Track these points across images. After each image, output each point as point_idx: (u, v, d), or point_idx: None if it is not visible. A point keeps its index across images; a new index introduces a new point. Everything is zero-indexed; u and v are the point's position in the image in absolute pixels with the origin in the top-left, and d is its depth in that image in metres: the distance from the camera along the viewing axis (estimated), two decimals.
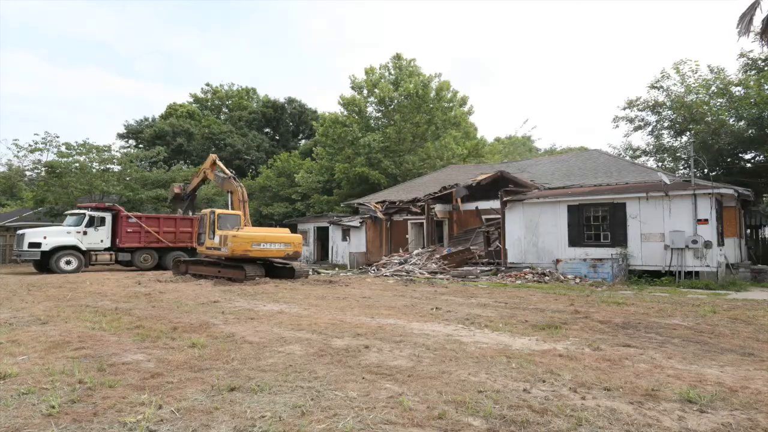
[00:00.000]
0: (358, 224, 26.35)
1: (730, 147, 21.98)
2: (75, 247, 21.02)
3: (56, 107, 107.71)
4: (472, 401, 4.14)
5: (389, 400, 4.18)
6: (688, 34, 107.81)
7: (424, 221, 23.63)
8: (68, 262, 20.73)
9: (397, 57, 38.07)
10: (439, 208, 23.72)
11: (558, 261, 17.00)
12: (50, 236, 20.76)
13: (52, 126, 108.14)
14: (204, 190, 35.68)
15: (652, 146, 26.19)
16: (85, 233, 21.40)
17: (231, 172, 20.13)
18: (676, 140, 25.59)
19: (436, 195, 23.48)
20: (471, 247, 20.70)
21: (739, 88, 22.73)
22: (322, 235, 29.81)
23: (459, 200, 23.44)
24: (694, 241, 14.82)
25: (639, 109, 26.09)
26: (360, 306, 10.28)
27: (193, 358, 5.63)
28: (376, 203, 25.92)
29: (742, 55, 24.03)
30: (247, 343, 6.51)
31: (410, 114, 34.65)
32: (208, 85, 63.96)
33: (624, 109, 26.61)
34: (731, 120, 22.22)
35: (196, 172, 23.69)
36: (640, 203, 16.04)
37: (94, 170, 30.76)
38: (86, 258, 21.34)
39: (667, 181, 16.46)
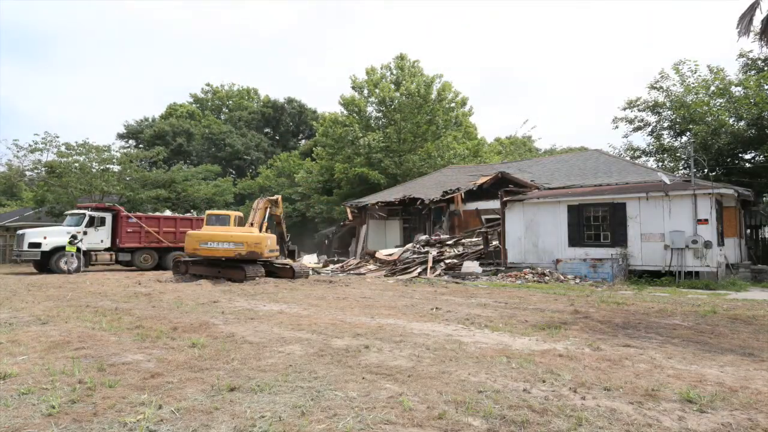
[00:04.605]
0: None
1: (729, 147, 21.99)
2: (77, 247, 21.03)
3: (56, 106, 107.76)
4: (472, 401, 4.15)
5: (389, 400, 4.18)
6: (688, 34, 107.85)
7: (426, 223, 24.14)
8: (68, 262, 20.73)
9: (401, 57, 37.96)
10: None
11: (558, 261, 17.00)
12: (50, 236, 20.75)
13: (51, 126, 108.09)
14: (204, 190, 35.71)
15: (652, 146, 26.20)
16: (85, 233, 21.40)
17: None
18: (676, 140, 25.60)
19: (438, 201, 23.85)
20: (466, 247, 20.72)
21: (738, 88, 22.74)
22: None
23: (461, 201, 23.56)
24: (694, 241, 14.82)
25: (639, 110, 26.11)
26: (360, 306, 10.28)
27: (193, 358, 5.63)
28: (373, 204, 26.13)
29: (741, 55, 24.06)
30: (247, 343, 6.51)
31: (411, 114, 34.66)
32: (208, 85, 64.07)
33: (624, 109, 26.65)
34: (731, 120, 22.22)
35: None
36: (640, 203, 16.04)
37: (93, 170, 30.76)
38: (86, 258, 21.34)
39: (667, 181, 16.45)
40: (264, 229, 18.29)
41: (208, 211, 19.03)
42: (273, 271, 17.26)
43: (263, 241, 16.15)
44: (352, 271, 20.54)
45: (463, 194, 23.57)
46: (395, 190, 29.21)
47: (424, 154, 34.83)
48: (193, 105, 60.73)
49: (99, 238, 21.90)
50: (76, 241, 20.00)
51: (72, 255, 20.07)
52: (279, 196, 20.58)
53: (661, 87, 25.19)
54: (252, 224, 17.89)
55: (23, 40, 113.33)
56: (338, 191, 35.59)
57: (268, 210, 18.68)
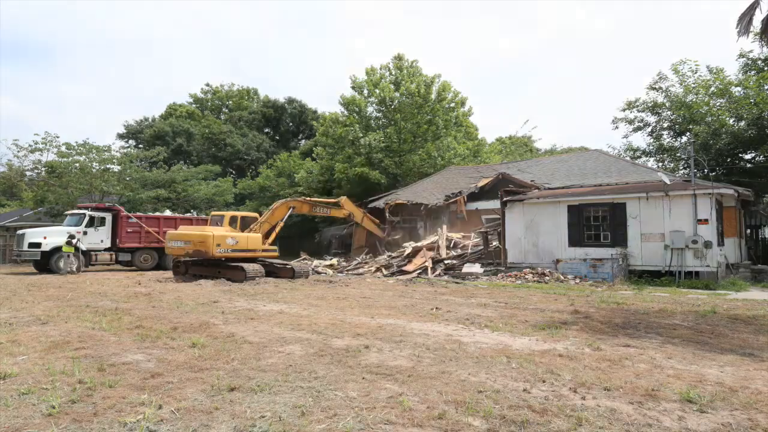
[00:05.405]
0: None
1: (730, 147, 21.96)
2: (75, 247, 21.04)
3: (55, 106, 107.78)
4: (472, 401, 4.15)
5: (389, 400, 4.18)
6: (688, 34, 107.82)
7: (427, 223, 24.50)
8: (66, 263, 20.75)
9: (399, 57, 37.91)
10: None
11: (558, 261, 16.99)
12: (50, 236, 20.75)
13: (51, 126, 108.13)
14: (204, 190, 35.70)
15: (652, 147, 26.19)
16: (85, 233, 21.40)
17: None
18: (676, 141, 25.57)
19: (440, 206, 24.07)
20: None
21: (738, 89, 22.72)
22: None
23: (463, 204, 23.65)
24: (694, 241, 14.81)
25: (639, 110, 26.08)
26: (360, 306, 10.28)
27: (193, 358, 5.63)
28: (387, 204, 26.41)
29: (741, 56, 24.02)
30: (247, 343, 6.51)
31: (411, 114, 34.63)
32: (208, 85, 64.01)
33: (623, 110, 26.59)
34: (731, 120, 22.20)
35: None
36: (640, 203, 16.03)
37: (94, 170, 30.74)
38: (86, 258, 21.33)
39: (667, 181, 16.44)
40: (272, 231, 18.60)
41: (212, 212, 19.60)
42: (273, 271, 17.29)
43: (208, 240, 16.11)
44: (351, 271, 20.54)
45: (465, 197, 23.65)
46: (397, 192, 29.23)
47: (425, 154, 34.80)
48: (193, 105, 60.69)
49: (99, 238, 21.90)
50: (73, 242, 20.02)
51: (69, 255, 20.03)
52: (343, 198, 22.16)
53: (661, 87, 25.17)
54: (259, 224, 18.39)
55: (22, 41, 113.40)
56: (338, 191, 35.50)
57: (289, 212, 19.89)
